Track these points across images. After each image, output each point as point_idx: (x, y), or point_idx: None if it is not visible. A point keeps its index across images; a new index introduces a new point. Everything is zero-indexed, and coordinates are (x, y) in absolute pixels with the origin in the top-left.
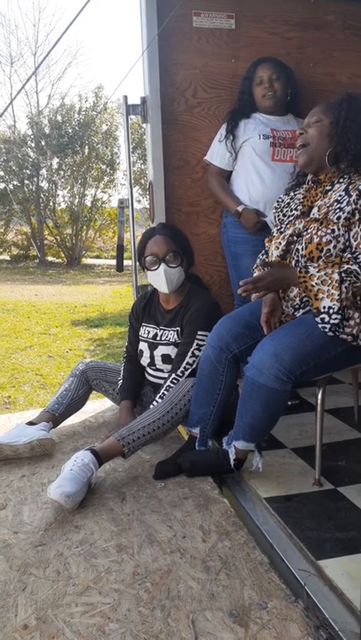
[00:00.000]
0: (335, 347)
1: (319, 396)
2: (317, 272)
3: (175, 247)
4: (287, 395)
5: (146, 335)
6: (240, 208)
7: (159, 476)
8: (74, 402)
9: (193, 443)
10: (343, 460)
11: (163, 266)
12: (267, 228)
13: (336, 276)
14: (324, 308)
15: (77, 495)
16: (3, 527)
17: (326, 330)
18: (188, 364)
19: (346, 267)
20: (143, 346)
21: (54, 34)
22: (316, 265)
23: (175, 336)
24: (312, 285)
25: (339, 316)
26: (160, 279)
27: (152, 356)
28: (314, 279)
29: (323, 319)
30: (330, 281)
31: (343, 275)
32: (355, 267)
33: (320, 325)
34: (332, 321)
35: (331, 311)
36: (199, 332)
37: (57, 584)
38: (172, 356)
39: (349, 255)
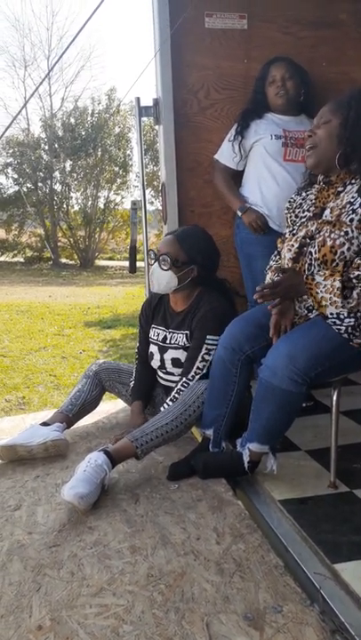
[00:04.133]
0: (351, 348)
1: (334, 398)
2: (323, 280)
3: (176, 252)
4: (302, 397)
5: (156, 337)
6: (246, 205)
7: (173, 476)
8: (87, 403)
9: (207, 444)
10: (359, 463)
11: (155, 265)
12: (269, 230)
13: (338, 284)
14: (331, 314)
15: (91, 496)
16: (17, 527)
17: (342, 332)
18: (198, 368)
19: (357, 273)
20: (153, 348)
21: (67, 37)
22: (322, 273)
23: (184, 339)
24: (317, 292)
25: (352, 320)
26: (151, 277)
27: (162, 360)
28: (320, 287)
29: (334, 322)
30: (332, 289)
31: (355, 281)
32: None
33: (335, 327)
34: (345, 324)
35: (341, 316)
36: (208, 337)
37: (71, 585)
38: (183, 360)
39: (360, 261)
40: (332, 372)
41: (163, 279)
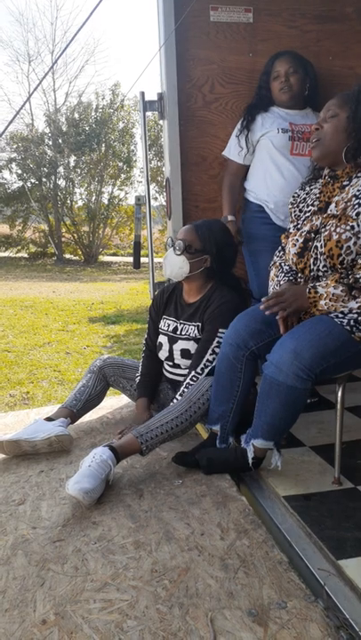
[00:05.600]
0: (356, 344)
1: (339, 394)
2: (325, 291)
3: (191, 239)
4: (307, 393)
5: (166, 328)
6: (228, 218)
7: (178, 461)
8: (91, 398)
9: (214, 439)
10: None
11: (170, 250)
12: (273, 225)
13: (332, 290)
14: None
15: (95, 491)
16: (21, 522)
17: (344, 323)
18: (208, 361)
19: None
20: (163, 339)
21: (71, 32)
22: (324, 284)
23: (195, 331)
24: (322, 305)
25: (355, 315)
26: (164, 261)
27: (171, 350)
28: (323, 298)
29: (336, 315)
30: (336, 298)
31: None
32: None
33: (337, 320)
34: (347, 318)
35: (345, 311)
36: (220, 330)
37: (75, 580)
38: (192, 352)
39: None
40: (336, 369)
41: (175, 264)
